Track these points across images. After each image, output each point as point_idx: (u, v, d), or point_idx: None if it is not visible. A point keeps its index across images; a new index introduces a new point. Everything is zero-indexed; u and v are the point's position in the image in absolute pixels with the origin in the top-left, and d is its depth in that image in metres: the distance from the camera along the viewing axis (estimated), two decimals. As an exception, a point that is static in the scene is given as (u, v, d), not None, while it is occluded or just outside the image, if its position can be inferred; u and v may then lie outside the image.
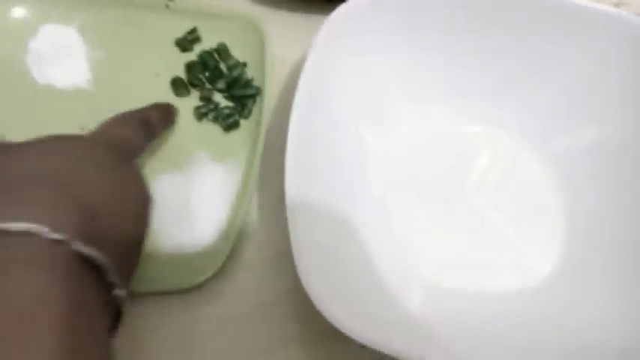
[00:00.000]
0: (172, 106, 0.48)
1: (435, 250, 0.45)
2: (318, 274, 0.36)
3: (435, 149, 0.48)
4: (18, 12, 0.53)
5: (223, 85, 0.51)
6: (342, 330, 0.35)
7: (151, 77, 0.51)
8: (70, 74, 0.51)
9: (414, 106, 0.48)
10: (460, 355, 0.38)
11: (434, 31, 0.46)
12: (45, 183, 0.31)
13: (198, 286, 0.44)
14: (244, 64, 0.52)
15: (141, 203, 0.38)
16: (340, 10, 0.43)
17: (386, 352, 0.35)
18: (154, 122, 0.45)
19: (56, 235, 0.28)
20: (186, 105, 0.50)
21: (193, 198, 0.47)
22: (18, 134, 0.46)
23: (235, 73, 0.51)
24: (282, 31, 0.53)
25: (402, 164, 0.48)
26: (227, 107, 0.50)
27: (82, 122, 0.49)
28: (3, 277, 0.26)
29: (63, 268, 0.28)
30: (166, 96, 0.51)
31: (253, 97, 0.50)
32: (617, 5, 0.54)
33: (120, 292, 0.31)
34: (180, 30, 0.53)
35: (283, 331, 0.44)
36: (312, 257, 0.37)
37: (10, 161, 0.32)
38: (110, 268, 0.30)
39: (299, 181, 0.38)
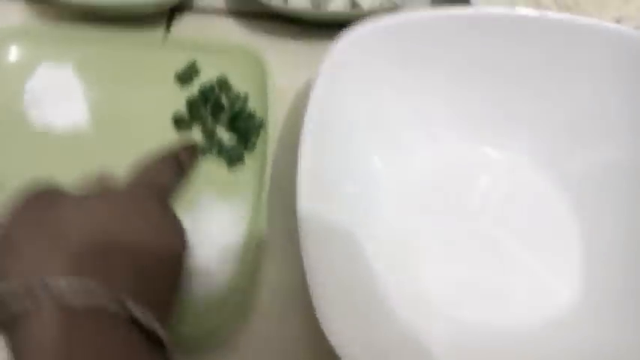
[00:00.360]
0: (197, 144, 0.48)
1: (450, 279, 0.44)
2: (338, 315, 0.35)
3: (446, 174, 0.47)
4: (13, 53, 0.52)
5: (226, 119, 0.50)
6: None
7: (151, 114, 0.50)
8: (69, 115, 0.50)
9: (424, 131, 0.47)
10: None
11: (441, 57, 0.45)
12: (101, 247, 0.31)
13: (215, 340, 0.43)
14: (246, 96, 0.51)
15: (183, 250, 0.37)
16: (345, 37, 0.42)
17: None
18: (185, 162, 0.45)
19: (115, 307, 0.28)
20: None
21: (201, 241, 0.46)
22: (17, 180, 0.46)
23: (237, 106, 0.50)
24: (282, 59, 0.52)
25: (414, 189, 0.46)
26: (230, 141, 0.49)
27: (84, 166, 0.47)
28: None
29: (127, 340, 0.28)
30: (168, 133, 0.50)
31: (257, 129, 0.49)
32: (618, 21, 0.54)
33: (168, 347, 0.31)
34: (179, 64, 0.52)
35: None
36: (330, 296, 0.35)
37: (66, 217, 0.32)
38: (159, 329, 0.30)
39: (313, 215, 0.37)
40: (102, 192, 0.35)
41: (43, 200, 0.33)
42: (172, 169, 0.43)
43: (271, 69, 0.50)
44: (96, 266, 0.30)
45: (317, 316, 0.35)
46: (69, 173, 0.46)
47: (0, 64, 0.51)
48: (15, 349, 0.28)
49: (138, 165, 0.42)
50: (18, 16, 0.56)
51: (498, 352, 0.42)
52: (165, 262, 0.34)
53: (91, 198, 0.34)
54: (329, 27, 0.54)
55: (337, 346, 0.33)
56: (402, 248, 0.45)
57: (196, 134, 0.50)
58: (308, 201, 0.38)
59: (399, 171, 0.46)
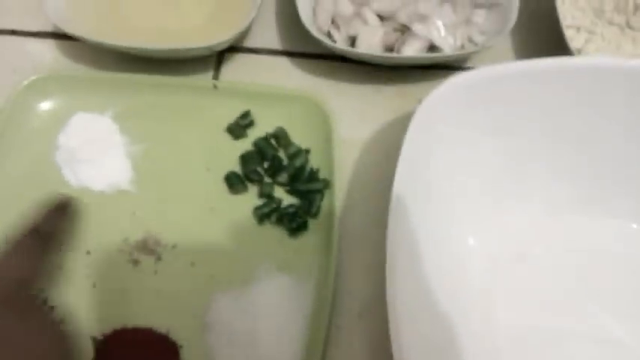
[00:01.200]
0: (61, 196, 0.37)
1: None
2: None
3: (551, 253, 0.41)
4: (44, 103, 0.46)
5: (285, 179, 0.44)
6: None
7: (201, 172, 0.44)
8: (108, 174, 0.44)
9: (517, 198, 0.40)
10: None
11: (538, 114, 0.38)
12: None
13: None
14: (307, 151, 0.44)
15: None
16: (432, 96, 0.36)
17: None
18: (48, 231, 0.35)
19: None
20: (244, 204, 0.43)
21: (261, 320, 0.40)
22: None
23: (298, 162, 0.44)
24: (345, 104, 0.47)
25: (505, 267, 0.40)
26: (292, 206, 0.43)
27: (126, 232, 0.42)
28: None
29: None
30: (221, 194, 0.44)
31: (321, 191, 0.43)
32: None
33: None
34: (231, 114, 0.46)
35: None
36: None
37: None
38: None
39: (403, 294, 0.31)
40: None
41: None
42: (32, 253, 0.33)
43: (336, 120, 0.43)
44: None
45: None
46: (109, 240, 0.41)
47: (29, 115, 0.45)
48: None
49: None
50: (48, 55, 0.51)
51: None
52: None
53: None
54: (397, 69, 0.48)
55: None
56: (494, 334, 0.39)
57: (252, 196, 0.43)
58: (399, 282, 0.31)
59: (491, 247, 0.40)
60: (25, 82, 0.46)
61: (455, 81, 0.36)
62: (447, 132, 0.37)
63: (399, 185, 0.34)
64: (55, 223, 0.35)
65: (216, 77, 0.49)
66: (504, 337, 0.38)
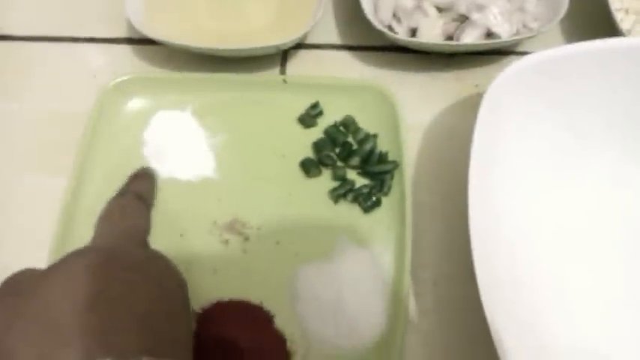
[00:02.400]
0: (145, 167, 0.47)
1: (627, 328, 0.40)
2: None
3: (610, 219, 0.44)
4: (129, 103, 0.50)
5: (357, 162, 0.47)
6: None
7: (277, 159, 0.48)
8: (193, 164, 0.48)
9: (581, 170, 0.43)
10: None
11: (596, 92, 0.41)
12: (101, 319, 0.28)
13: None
14: (375, 136, 0.48)
15: (181, 289, 0.35)
16: (502, 76, 0.39)
17: None
18: (144, 193, 0.44)
19: None
20: (320, 186, 0.47)
21: (345, 290, 0.43)
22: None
23: (368, 147, 0.47)
24: (408, 92, 0.49)
25: (574, 233, 0.43)
26: (365, 186, 0.46)
27: (214, 215, 0.46)
28: None
29: None
30: (297, 178, 0.47)
31: (391, 171, 0.46)
32: None
33: None
34: (301, 106, 0.50)
35: None
36: (513, 343, 0.34)
37: (53, 301, 0.29)
38: None
39: (488, 263, 0.34)
40: (74, 258, 0.32)
41: (14, 290, 0.30)
42: (138, 208, 0.42)
43: (402, 106, 0.47)
44: (108, 343, 0.27)
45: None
46: (200, 223, 0.45)
47: (117, 114, 0.50)
48: None
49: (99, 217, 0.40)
50: (124, 59, 0.55)
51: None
52: (170, 309, 0.32)
53: (67, 269, 0.31)
54: (454, 56, 0.52)
55: None
56: (564, 291, 0.42)
57: (326, 179, 0.47)
58: (482, 249, 0.34)
59: (559, 214, 0.43)
60: (111, 84, 0.50)
61: (520, 64, 0.39)
62: (515, 110, 0.40)
63: (476, 156, 0.37)
64: (148, 188, 0.44)
65: (282, 72, 0.53)
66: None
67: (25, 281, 0.31)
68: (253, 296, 0.43)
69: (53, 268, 0.31)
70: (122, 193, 0.43)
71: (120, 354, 0.26)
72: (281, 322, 0.42)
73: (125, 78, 0.50)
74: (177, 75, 0.52)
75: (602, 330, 0.40)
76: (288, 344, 0.41)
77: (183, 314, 0.34)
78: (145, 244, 0.39)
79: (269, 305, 0.43)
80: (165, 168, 0.48)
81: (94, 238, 0.39)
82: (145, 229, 0.42)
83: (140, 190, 0.44)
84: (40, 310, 0.28)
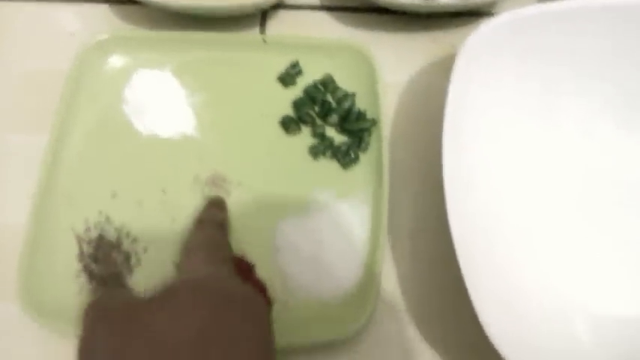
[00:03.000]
0: (220, 197, 0.46)
1: (594, 274, 0.43)
2: (495, 311, 0.35)
3: (580, 168, 0.46)
4: (110, 61, 0.51)
5: (335, 120, 0.48)
6: None
7: (257, 117, 0.49)
8: (174, 122, 0.49)
9: (559, 118, 0.46)
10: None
11: (570, 48, 0.43)
12: (207, 348, 0.29)
13: (339, 337, 0.42)
14: (353, 95, 0.49)
15: (268, 309, 0.35)
16: (477, 34, 0.40)
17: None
18: (224, 222, 0.43)
19: None
20: (299, 143, 0.48)
21: (324, 242, 0.45)
22: (130, 190, 0.45)
23: (346, 105, 0.48)
24: (384, 52, 0.50)
25: (544, 186, 0.45)
26: (344, 143, 0.47)
27: (195, 171, 0.47)
28: None
29: None
30: (277, 136, 0.48)
31: (369, 129, 0.47)
32: None
33: None
34: (281, 65, 0.50)
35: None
36: (486, 292, 0.36)
37: (159, 328, 0.29)
38: None
39: (461, 212, 0.36)
40: (182, 290, 0.31)
41: (119, 314, 0.30)
42: (221, 237, 0.41)
43: (380, 66, 0.48)
44: None
45: (474, 305, 0.35)
46: (181, 179, 0.46)
47: (97, 72, 0.50)
48: None
49: (183, 247, 0.39)
50: (102, 18, 0.55)
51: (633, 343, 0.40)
52: (263, 342, 0.32)
53: (176, 302, 0.31)
54: (430, 17, 0.53)
55: (493, 336, 0.35)
56: (535, 241, 0.44)
57: (305, 136, 0.48)
58: (455, 200, 0.36)
59: (529, 161, 0.45)
60: (91, 43, 0.50)
61: (495, 21, 0.41)
62: (489, 67, 0.42)
63: (450, 112, 0.38)
64: (224, 215, 0.44)
65: (262, 32, 0.53)
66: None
67: (127, 308, 0.31)
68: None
69: (159, 298, 0.31)
70: (203, 221, 0.42)
71: None
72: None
73: (105, 37, 0.50)
74: (156, 34, 0.52)
75: (567, 273, 0.43)
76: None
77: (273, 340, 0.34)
78: (233, 270, 0.38)
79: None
80: (145, 125, 0.49)
81: (187, 267, 0.37)
82: (229, 254, 0.40)
83: (221, 219, 0.43)
84: (153, 337, 0.28)
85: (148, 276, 0.43)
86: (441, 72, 0.49)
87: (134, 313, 0.30)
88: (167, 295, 0.31)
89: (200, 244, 0.38)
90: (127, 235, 0.45)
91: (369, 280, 0.42)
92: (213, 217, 0.42)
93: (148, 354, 0.28)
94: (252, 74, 0.50)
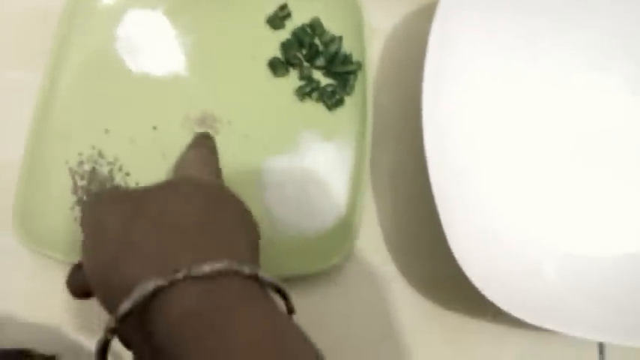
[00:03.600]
0: (207, 132, 0.48)
1: (561, 217, 0.45)
2: (468, 247, 0.37)
3: (555, 112, 0.48)
4: (100, 3, 0.51)
5: (322, 62, 0.50)
6: (491, 298, 0.37)
7: (247, 59, 0.50)
8: (165, 61, 0.50)
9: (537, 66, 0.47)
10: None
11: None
12: (211, 226, 0.31)
13: (321, 272, 0.44)
14: (340, 38, 0.50)
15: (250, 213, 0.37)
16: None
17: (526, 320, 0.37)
18: (212, 147, 0.45)
19: (248, 270, 0.28)
20: (287, 85, 0.49)
21: (308, 180, 0.47)
22: (122, 126, 0.47)
23: (333, 48, 0.50)
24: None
25: (525, 129, 0.48)
26: (330, 85, 0.49)
27: (185, 109, 0.49)
28: (231, 326, 0.26)
29: (267, 302, 0.28)
30: (266, 77, 0.50)
31: (354, 72, 0.49)
32: None
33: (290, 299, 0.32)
34: (270, 7, 0.51)
35: (415, 305, 0.44)
36: (461, 229, 0.38)
37: (168, 208, 0.31)
38: (285, 288, 0.31)
39: (439, 153, 0.38)
40: (174, 180, 0.34)
41: (127, 196, 0.32)
42: (213, 158, 0.43)
43: (367, 10, 0.49)
44: (229, 249, 0.30)
45: (446, 234, 0.37)
46: (172, 117, 0.47)
47: (90, 10, 0.50)
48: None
49: (176, 165, 0.42)
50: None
51: (600, 279, 0.44)
52: (254, 231, 0.35)
53: (177, 186, 0.33)
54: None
55: (463, 264, 0.37)
56: (509, 185, 0.46)
57: (293, 78, 0.49)
58: (433, 143, 0.38)
59: (507, 109, 0.47)
60: (82, -18, 0.50)
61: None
62: (469, 16, 0.43)
63: (431, 58, 0.40)
64: (215, 146, 0.45)
65: (253, -25, 0.54)
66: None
67: (132, 192, 0.32)
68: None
69: (163, 187, 0.33)
70: (195, 145, 0.44)
71: (241, 261, 0.28)
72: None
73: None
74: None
75: (537, 215, 0.45)
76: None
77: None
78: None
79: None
80: (137, 63, 0.50)
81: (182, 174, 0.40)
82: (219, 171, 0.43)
83: (211, 145, 0.45)
84: (160, 211, 0.30)
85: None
86: (426, 19, 0.50)
87: (141, 196, 0.32)
88: (170, 184, 0.33)
89: (193, 159, 0.41)
90: (120, 169, 0.47)
91: (350, 216, 0.44)
92: (204, 142, 0.45)
93: (160, 229, 0.29)
94: (242, 16, 0.51)
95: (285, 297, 0.31)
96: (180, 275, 0.26)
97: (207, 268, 0.26)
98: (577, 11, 0.45)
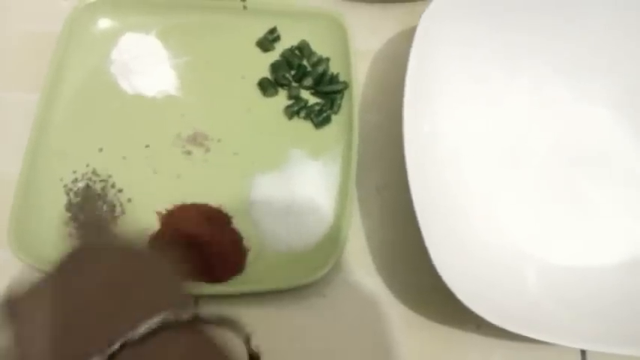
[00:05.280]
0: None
1: (541, 228, 0.47)
2: (452, 262, 0.38)
3: (532, 126, 0.50)
4: (98, 24, 0.53)
5: (310, 83, 0.51)
6: (474, 309, 0.37)
7: (237, 80, 0.52)
8: (158, 83, 0.52)
9: (515, 83, 0.49)
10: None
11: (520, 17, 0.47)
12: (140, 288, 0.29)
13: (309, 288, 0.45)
14: (327, 60, 0.52)
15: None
16: (434, 4, 0.44)
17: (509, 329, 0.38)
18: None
19: (187, 315, 0.26)
20: (276, 104, 0.51)
21: (296, 196, 0.48)
22: (116, 145, 0.48)
23: (320, 69, 0.52)
24: (357, 21, 0.53)
25: (498, 141, 0.49)
26: (317, 104, 0.51)
27: (177, 128, 0.50)
28: None
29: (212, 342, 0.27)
30: (255, 97, 0.51)
31: (341, 92, 0.51)
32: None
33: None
34: (260, 30, 0.53)
35: (400, 317, 0.45)
36: (443, 242, 0.40)
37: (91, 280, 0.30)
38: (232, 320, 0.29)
39: (419, 168, 0.40)
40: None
41: (44, 285, 0.31)
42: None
43: (353, 33, 0.51)
44: (148, 304, 0.28)
45: (427, 248, 0.38)
46: (164, 136, 0.49)
47: (87, 35, 0.52)
48: None
49: None
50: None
51: (580, 289, 0.44)
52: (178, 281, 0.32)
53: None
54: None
55: (445, 277, 0.38)
56: (490, 198, 0.47)
57: (282, 98, 0.51)
58: (415, 158, 0.40)
59: (486, 125, 0.48)
60: (80, 6, 0.52)
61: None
62: (448, 35, 0.45)
63: (411, 76, 0.42)
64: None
65: None
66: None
67: (47, 280, 0.31)
68: (213, 201, 0.47)
69: (65, 264, 0.31)
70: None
71: (177, 309, 0.26)
72: (238, 224, 0.47)
73: (91, 1, 0.53)
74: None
75: (519, 226, 0.46)
76: (245, 242, 0.46)
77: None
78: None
79: (227, 209, 0.47)
80: (131, 85, 0.51)
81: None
82: None
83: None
84: (78, 289, 0.29)
85: (131, 224, 0.47)
86: (410, 40, 0.52)
87: (58, 280, 0.30)
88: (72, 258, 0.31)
89: None
90: (112, 185, 0.48)
91: (337, 230, 0.46)
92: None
93: (82, 307, 0.28)
94: (233, 38, 0.53)
95: (235, 328, 0.28)
96: (116, 346, 0.25)
97: (143, 328, 0.25)
98: (555, 25, 0.47)
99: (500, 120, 0.49)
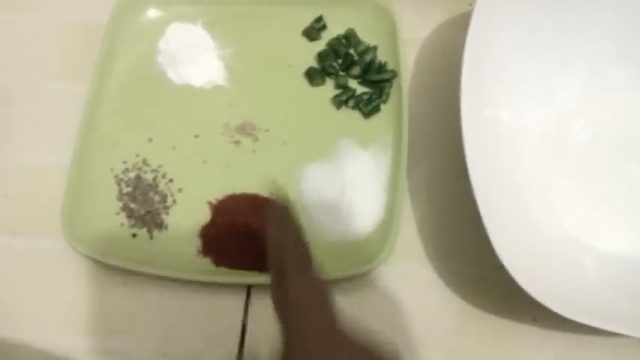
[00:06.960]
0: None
1: (597, 217, 0.46)
2: (513, 251, 0.37)
3: (586, 113, 0.49)
4: (145, 14, 0.53)
5: (358, 71, 0.51)
6: (538, 298, 0.37)
7: (284, 69, 0.52)
8: (206, 73, 0.52)
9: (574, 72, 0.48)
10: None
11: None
12: None
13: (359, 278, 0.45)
14: (375, 48, 0.52)
15: None
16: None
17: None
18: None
19: None
20: (323, 94, 0.51)
21: (346, 186, 0.48)
22: (165, 135, 0.48)
23: (368, 57, 0.51)
24: (405, 10, 0.52)
25: (556, 131, 0.48)
26: (365, 93, 0.50)
27: (225, 118, 0.50)
28: None
29: None
30: (303, 86, 0.51)
31: (389, 80, 0.50)
32: None
33: None
34: (306, 20, 0.53)
35: (453, 308, 0.45)
36: (503, 231, 0.39)
37: None
38: None
39: (479, 161, 0.39)
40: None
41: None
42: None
43: (401, 21, 0.50)
44: None
45: (490, 237, 0.38)
46: (213, 126, 0.49)
47: (134, 25, 0.53)
48: None
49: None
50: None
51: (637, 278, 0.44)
52: None
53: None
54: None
55: (509, 266, 0.37)
56: (546, 186, 0.46)
57: (329, 87, 0.51)
58: (474, 146, 0.39)
59: (540, 112, 0.47)
60: (126, -3, 0.52)
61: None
62: (504, 21, 0.44)
63: (468, 64, 0.41)
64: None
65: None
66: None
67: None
68: (263, 190, 0.47)
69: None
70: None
71: None
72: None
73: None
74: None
75: (578, 215, 0.46)
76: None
77: None
78: None
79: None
80: (179, 75, 0.52)
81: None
82: None
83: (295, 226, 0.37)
84: None
85: (183, 214, 0.47)
86: (459, 27, 0.51)
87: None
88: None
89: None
90: (163, 176, 0.48)
91: (389, 220, 0.45)
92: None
93: None
94: (279, 28, 0.53)
95: None
96: None
97: None
98: (615, 9, 0.46)
99: (554, 107, 0.48)
